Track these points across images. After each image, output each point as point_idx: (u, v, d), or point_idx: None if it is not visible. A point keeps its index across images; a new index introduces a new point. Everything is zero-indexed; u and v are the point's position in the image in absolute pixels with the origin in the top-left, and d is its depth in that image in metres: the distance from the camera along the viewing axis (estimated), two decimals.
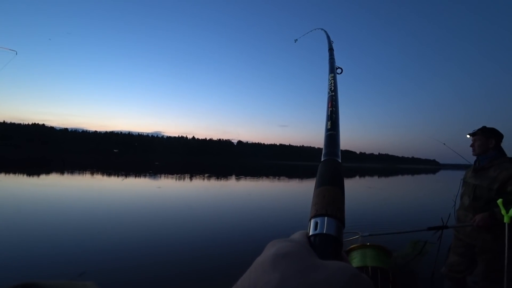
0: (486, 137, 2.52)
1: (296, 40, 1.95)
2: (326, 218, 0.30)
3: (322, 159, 0.41)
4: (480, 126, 2.66)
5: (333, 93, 0.60)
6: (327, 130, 0.47)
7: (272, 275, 0.21)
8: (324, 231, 0.29)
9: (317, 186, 0.36)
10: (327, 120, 0.50)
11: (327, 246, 0.28)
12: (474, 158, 2.67)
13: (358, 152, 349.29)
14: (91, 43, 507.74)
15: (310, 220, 0.31)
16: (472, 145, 2.62)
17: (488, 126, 2.64)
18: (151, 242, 5.12)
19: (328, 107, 0.55)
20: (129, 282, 3.52)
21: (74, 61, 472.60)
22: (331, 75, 0.70)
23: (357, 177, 31.79)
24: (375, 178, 32.47)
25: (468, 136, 2.72)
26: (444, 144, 5.26)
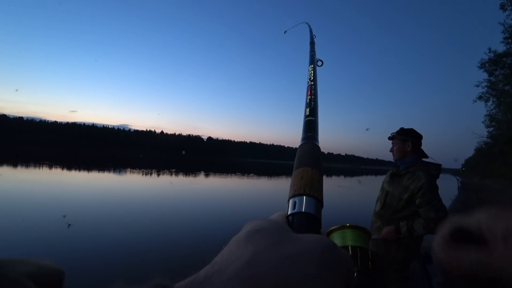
0: (403, 141, 2.33)
1: (286, 31, 1.92)
2: (304, 197, 0.30)
3: (300, 143, 0.42)
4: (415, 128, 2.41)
5: (312, 83, 0.63)
6: (306, 116, 0.50)
7: (246, 248, 0.21)
8: (303, 210, 0.29)
9: (296, 167, 0.36)
10: (306, 107, 0.53)
11: (306, 224, 0.28)
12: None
13: (326, 152, 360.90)
14: (54, 24, 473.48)
15: (289, 200, 0.31)
16: (391, 150, 2.43)
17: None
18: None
19: (307, 95, 0.58)
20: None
21: (34, 43, 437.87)
22: (311, 66, 0.74)
23: (324, 177, 32.69)
24: (342, 177, 33.60)
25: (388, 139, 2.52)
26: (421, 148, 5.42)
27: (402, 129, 2.39)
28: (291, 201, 0.31)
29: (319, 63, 0.81)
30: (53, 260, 0.16)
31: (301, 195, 0.30)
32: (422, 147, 2.34)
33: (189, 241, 5.16)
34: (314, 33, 1.19)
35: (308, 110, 0.52)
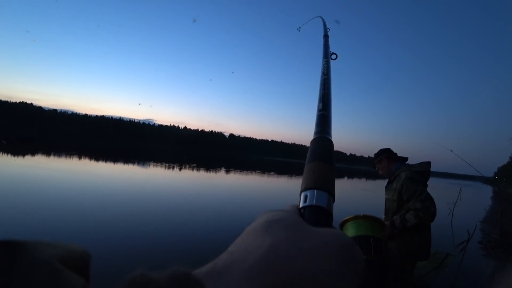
0: (379, 161, 2.70)
1: (299, 28, 1.95)
2: (316, 190, 0.30)
3: (313, 137, 0.42)
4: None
5: (326, 77, 0.62)
6: (319, 110, 0.49)
7: (264, 239, 0.21)
8: (314, 203, 0.29)
9: (308, 161, 0.36)
10: (319, 101, 0.52)
11: (318, 217, 0.28)
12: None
13: (348, 154, 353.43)
14: (87, 26, 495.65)
15: (300, 194, 0.31)
16: (381, 174, 2.74)
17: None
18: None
19: (320, 89, 0.57)
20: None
21: (68, 43, 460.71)
22: (324, 60, 0.73)
23: (346, 178, 31.88)
24: (364, 180, 32.60)
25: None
26: (452, 151, 5.08)
27: (374, 154, 2.79)
28: (303, 194, 0.31)
29: (333, 56, 0.79)
30: (80, 244, 0.16)
31: (312, 188, 0.31)
32: (400, 154, 2.68)
33: (205, 233, 5.27)
34: (328, 27, 1.18)
35: (321, 104, 0.51)
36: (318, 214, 0.28)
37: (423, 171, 2.44)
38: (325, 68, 0.67)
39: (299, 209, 0.29)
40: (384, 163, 2.66)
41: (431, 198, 2.24)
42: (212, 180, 16.16)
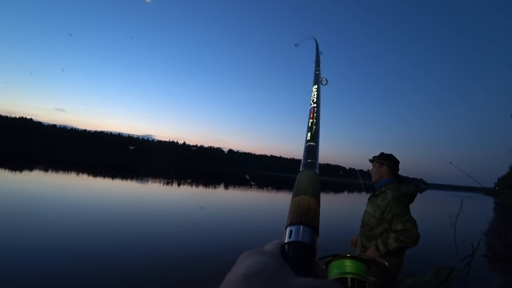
0: (380, 164, 2.54)
1: (297, 44, 2.01)
2: (301, 226, 0.31)
3: (300, 170, 0.42)
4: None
5: (315, 105, 0.61)
6: (307, 141, 0.49)
7: None
8: (299, 239, 0.29)
9: (294, 195, 0.37)
10: (307, 131, 0.51)
11: (301, 254, 0.28)
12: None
13: (347, 168, 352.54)
14: (86, 41, 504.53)
15: (286, 228, 0.32)
16: (370, 172, 2.63)
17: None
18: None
19: (309, 119, 0.56)
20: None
21: (66, 58, 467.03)
22: (314, 86, 0.72)
23: (345, 192, 31.57)
24: (364, 194, 32.19)
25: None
26: (451, 163, 4.94)
27: (382, 154, 2.60)
28: (288, 229, 0.31)
29: (324, 81, 0.78)
30: None
31: (297, 224, 0.31)
32: (400, 172, 2.54)
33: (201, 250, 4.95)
34: (320, 49, 1.18)
35: (309, 134, 0.50)
36: (301, 251, 0.29)
37: (410, 194, 2.40)
38: (315, 96, 0.65)
39: (283, 245, 0.30)
40: (383, 170, 2.51)
41: (413, 220, 2.21)
42: (203, 197, 15.91)
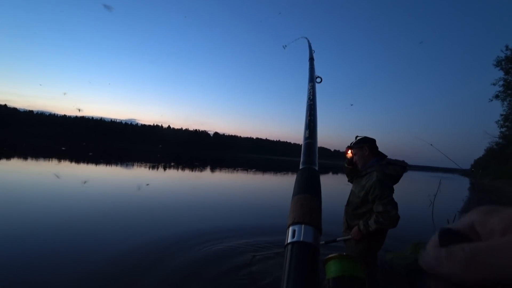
0: (360, 148, 2.57)
1: (285, 46, 2.00)
2: (303, 225, 0.31)
3: (300, 167, 0.42)
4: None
5: (312, 102, 0.62)
6: (305, 138, 0.49)
7: None
8: (302, 239, 0.29)
9: (295, 194, 0.36)
10: (306, 129, 0.52)
11: (304, 253, 0.28)
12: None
13: (332, 150, 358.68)
14: (62, 21, 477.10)
15: (288, 227, 0.31)
16: (354, 160, 2.63)
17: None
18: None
19: (306, 116, 0.56)
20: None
21: (43, 39, 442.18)
22: (310, 84, 0.73)
23: (330, 174, 32.38)
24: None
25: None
26: (431, 144, 5.16)
27: (357, 138, 2.64)
28: (290, 228, 0.31)
29: (318, 79, 0.80)
30: None
31: (300, 223, 0.31)
32: (380, 150, 2.61)
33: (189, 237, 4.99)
34: (313, 48, 1.19)
35: (307, 132, 0.50)
36: (305, 251, 0.29)
37: (395, 175, 2.45)
38: (311, 93, 0.67)
39: (287, 245, 0.30)
40: (365, 151, 2.55)
41: (394, 202, 2.27)
42: (198, 180, 15.99)
